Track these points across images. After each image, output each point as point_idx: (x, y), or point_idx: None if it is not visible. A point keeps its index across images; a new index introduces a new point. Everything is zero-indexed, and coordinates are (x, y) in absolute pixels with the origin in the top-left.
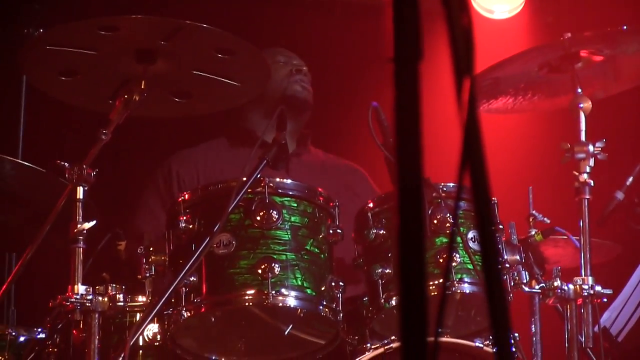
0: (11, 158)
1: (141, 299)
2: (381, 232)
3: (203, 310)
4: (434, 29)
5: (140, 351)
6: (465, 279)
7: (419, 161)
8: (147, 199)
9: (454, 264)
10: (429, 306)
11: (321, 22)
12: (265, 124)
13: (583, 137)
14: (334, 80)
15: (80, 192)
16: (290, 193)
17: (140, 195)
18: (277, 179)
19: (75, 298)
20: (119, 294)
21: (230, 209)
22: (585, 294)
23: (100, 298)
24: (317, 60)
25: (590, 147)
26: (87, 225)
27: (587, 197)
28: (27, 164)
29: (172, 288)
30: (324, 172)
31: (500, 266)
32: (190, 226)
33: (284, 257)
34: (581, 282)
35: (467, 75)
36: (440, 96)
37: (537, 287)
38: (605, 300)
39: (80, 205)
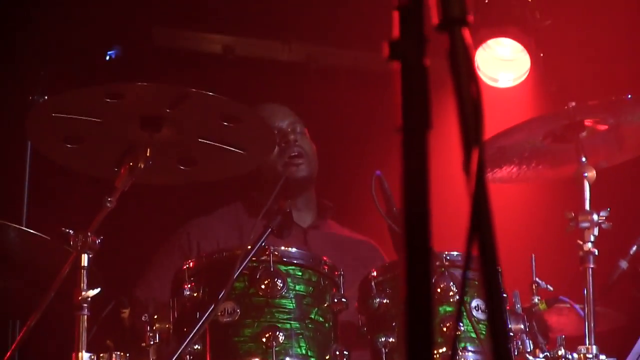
0: (15, 225)
1: None
2: (385, 301)
3: None
4: (443, 98)
5: None
6: (469, 348)
7: (427, 230)
8: (161, 260)
9: (457, 332)
10: None
11: (327, 89)
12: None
13: (587, 206)
14: (339, 147)
15: (84, 260)
16: (295, 262)
17: (150, 259)
18: (282, 247)
19: None
20: None
21: (234, 277)
22: None
23: None
24: (322, 127)
25: (595, 216)
26: (92, 292)
27: (592, 266)
28: (31, 231)
29: (176, 356)
30: (340, 247)
31: (507, 336)
32: (195, 294)
33: (288, 325)
34: (585, 351)
35: (476, 145)
36: (448, 164)
37: (541, 356)
38: None
39: (84, 272)
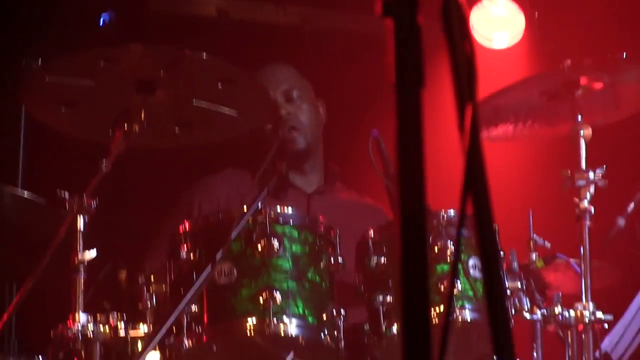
0: (11, 188)
1: (143, 328)
2: (382, 260)
3: (205, 339)
4: (436, 56)
5: None
6: (467, 306)
7: (421, 188)
8: (170, 225)
9: (455, 291)
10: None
11: (322, 51)
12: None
13: (583, 165)
14: (335, 108)
15: (80, 222)
16: (291, 222)
17: (157, 231)
18: (278, 208)
19: (77, 327)
20: (120, 323)
21: (231, 238)
22: (587, 320)
23: (101, 327)
24: (317, 88)
25: (591, 174)
26: (88, 254)
27: (588, 223)
28: (26, 194)
29: (173, 317)
30: (344, 212)
31: (504, 294)
32: (192, 256)
33: (285, 286)
34: (582, 308)
35: (470, 102)
36: (443, 123)
37: (538, 313)
38: (606, 326)
39: (80, 235)
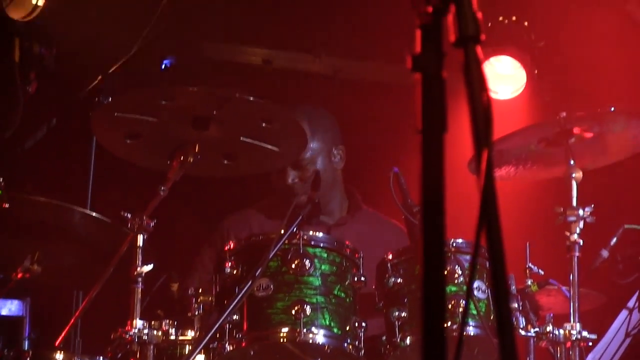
0: (81, 209)
1: (190, 333)
2: (399, 280)
3: (244, 344)
4: (458, 105)
5: None
6: (470, 323)
7: (442, 220)
8: (203, 256)
9: (460, 309)
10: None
11: (352, 98)
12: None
13: (574, 203)
14: (363, 149)
15: (140, 240)
16: (322, 245)
17: (198, 252)
18: (311, 232)
19: (134, 331)
20: (172, 328)
21: (269, 257)
22: (574, 338)
23: (155, 332)
24: (347, 131)
25: (581, 211)
26: (146, 268)
27: (577, 254)
28: (94, 214)
29: (217, 325)
30: (360, 242)
31: (511, 312)
32: (235, 271)
33: (314, 300)
34: (570, 328)
35: (486, 146)
36: (461, 164)
37: (532, 331)
38: (590, 343)
39: (139, 250)
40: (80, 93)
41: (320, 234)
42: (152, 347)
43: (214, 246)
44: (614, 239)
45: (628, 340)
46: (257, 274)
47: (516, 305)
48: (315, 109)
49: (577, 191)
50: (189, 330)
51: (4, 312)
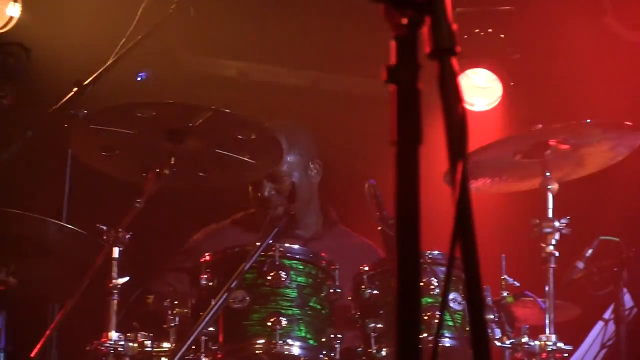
0: (57, 221)
1: (166, 345)
2: (374, 292)
3: (219, 356)
4: (433, 117)
5: None
6: (446, 334)
7: (417, 231)
8: (177, 261)
9: (435, 320)
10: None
11: (328, 110)
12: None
13: (550, 214)
14: (339, 160)
15: (116, 252)
16: (297, 257)
17: (172, 258)
18: (287, 244)
19: (109, 343)
20: (147, 340)
21: (245, 269)
22: (550, 349)
23: (130, 344)
24: (324, 143)
25: (556, 223)
26: (121, 280)
27: (553, 265)
28: (70, 226)
29: (193, 336)
30: (335, 256)
31: (486, 323)
32: (211, 283)
33: (290, 312)
34: (546, 339)
35: (461, 158)
36: (436, 175)
37: (507, 342)
38: (566, 355)
39: (115, 263)
40: (55, 106)
41: (296, 246)
42: (127, 359)
43: (186, 257)
44: (590, 251)
45: (604, 351)
46: (232, 285)
47: (492, 316)
48: (294, 124)
49: (553, 203)
50: (165, 342)
51: None
